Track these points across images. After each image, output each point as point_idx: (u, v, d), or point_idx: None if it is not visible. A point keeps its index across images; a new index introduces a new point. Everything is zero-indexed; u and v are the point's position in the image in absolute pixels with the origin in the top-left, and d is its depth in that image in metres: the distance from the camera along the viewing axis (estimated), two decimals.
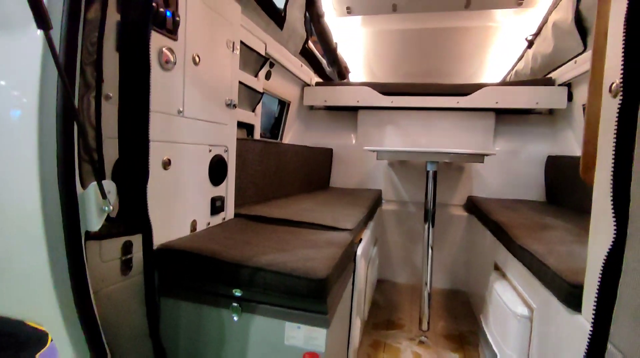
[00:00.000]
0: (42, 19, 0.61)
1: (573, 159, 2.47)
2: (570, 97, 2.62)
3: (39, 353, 1.50)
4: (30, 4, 0.59)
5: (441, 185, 2.96)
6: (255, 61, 2.10)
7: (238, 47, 1.62)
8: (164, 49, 1.12)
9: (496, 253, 1.87)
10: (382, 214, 2.89)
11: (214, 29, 1.42)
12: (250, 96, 2.12)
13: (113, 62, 0.90)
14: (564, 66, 2.57)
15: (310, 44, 3.04)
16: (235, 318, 1.09)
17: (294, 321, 1.05)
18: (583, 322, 0.96)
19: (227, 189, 1.59)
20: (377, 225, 2.70)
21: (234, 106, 1.59)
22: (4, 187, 0.80)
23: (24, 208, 0.77)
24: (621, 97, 0.58)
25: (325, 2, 3.02)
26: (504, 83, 2.89)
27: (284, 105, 2.98)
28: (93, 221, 0.79)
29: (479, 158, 1.93)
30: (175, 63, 1.18)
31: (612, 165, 0.58)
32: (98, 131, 0.81)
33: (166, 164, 1.17)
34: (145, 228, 0.90)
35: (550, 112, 2.94)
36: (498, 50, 3.78)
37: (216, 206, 1.49)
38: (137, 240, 0.99)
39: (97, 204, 0.79)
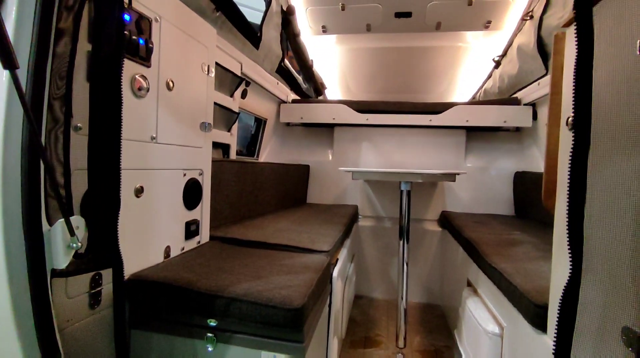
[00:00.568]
0: (8, 59, 0.60)
1: (538, 175, 2.59)
2: (535, 116, 2.76)
3: None
4: None
5: (416, 201, 3.03)
6: (231, 81, 2.10)
7: (213, 69, 1.62)
8: (136, 76, 1.11)
9: (468, 270, 1.92)
10: (358, 230, 2.92)
11: (188, 54, 1.42)
12: (226, 116, 2.12)
13: (83, 93, 0.88)
14: (528, 87, 2.71)
15: (287, 62, 3.08)
16: (210, 349, 1.07)
17: (270, 350, 1.04)
18: (548, 342, 1.00)
19: (202, 212, 1.57)
20: (354, 242, 2.72)
21: (209, 128, 1.58)
22: None
23: None
24: (573, 141, 0.63)
25: (300, 21, 3.07)
26: (474, 102, 3.01)
27: (260, 122, 2.98)
28: (60, 259, 0.77)
29: (451, 177, 1.99)
30: (148, 90, 1.17)
31: (567, 206, 0.62)
32: (66, 166, 0.79)
33: (139, 191, 1.15)
34: (115, 262, 0.88)
35: (517, 130, 3.08)
36: (468, 69, 3.94)
37: (191, 230, 1.47)
38: (106, 272, 0.97)
39: (64, 241, 0.77)
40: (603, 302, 0.59)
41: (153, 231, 1.24)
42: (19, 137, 0.71)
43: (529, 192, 2.68)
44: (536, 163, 2.83)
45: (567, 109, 0.96)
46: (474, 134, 3.13)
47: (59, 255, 0.77)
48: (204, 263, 1.28)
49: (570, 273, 0.62)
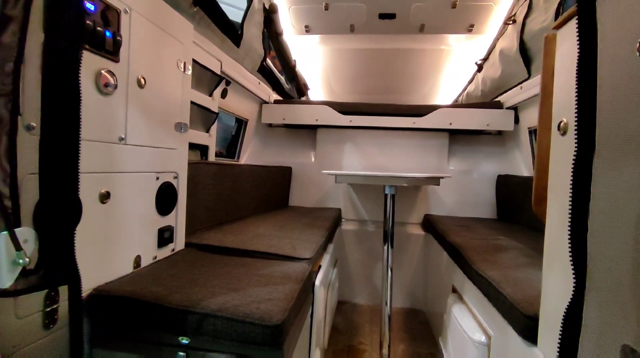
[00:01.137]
0: None
1: (520, 179, 2.60)
2: (517, 120, 2.77)
3: None
4: None
5: (399, 204, 3.00)
6: (210, 79, 2.01)
7: (190, 67, 1.53)
8: (102, 71, 1.02)
9: (453, 276, 1.89)
10: (341, 234, 2.86)
11: (162, 49, 1.33)
12: (204, 117, 2.03)
13: (36, 88, 0.79)
14: (510, 91, 2.72)
15: (269, 61, 3.00)
16: None
17: None
18: (538, 354, 0.97)
19: (177, 217, 1.48)
20: (337, 246, 2.66)
21: (185, 127, 1.49)
22: None
23: None
24: (575, 150, 0.58)
25: (283, 20, 3.00)
26: (457, 105, 3.01)
27: (241, 123, 2.89)
28: (3, 277, 0.67)
29: (435, 180, 1.96)
30: (116, 87, 1.08)
31: (569, 219, 0.58)
32: (13, 172, 0.70)
33: (104, 197, 1.05)
34: (71, 278, 0.79)
35: (499, 133, 3.09)
36: (450, 72, 3.96)
37: (164, 237, 1.38)
38: (64, 287, 0.87)
39: (8, 257, 0.68)
40: (603, 320, 0.55)
41: (121, 240, 1.14)
42: None
43: (512, 196, 2.69)
44: (518, 167, 2.84)
45: (558, 113, 0.93)
46: (457, 137, 3.13)
47: (2, 273, 0.68)
48: (176, 273, 1.19)
49: (573, 291, 0.58)
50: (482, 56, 3.25)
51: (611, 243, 0.55)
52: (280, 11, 2.86)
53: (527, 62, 2.43)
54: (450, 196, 3.03)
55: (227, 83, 2.30)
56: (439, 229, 2.32)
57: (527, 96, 2.44)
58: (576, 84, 0.58)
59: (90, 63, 0.98)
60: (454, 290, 1.88)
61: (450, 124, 2.85)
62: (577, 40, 0.58)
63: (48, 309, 0.85)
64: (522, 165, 2.80)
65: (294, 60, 3.54)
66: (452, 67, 3.88)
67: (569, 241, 0.57)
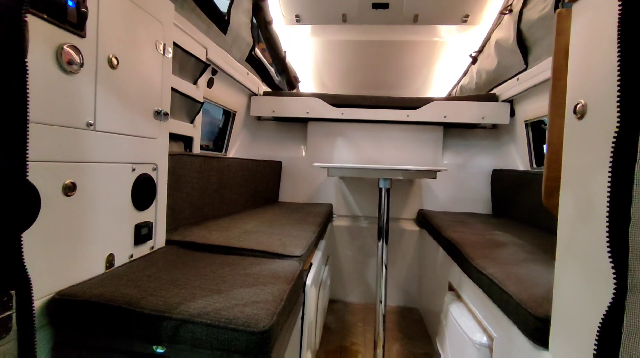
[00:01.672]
0: None
1: (516, 173, 2.54)
2: (512, 113, 2.71)
3: None
4: None
5: (392, 199, 2.92)
6: (194, 66, 1.89)
7: (170, 50, 1.41)
8: (65, 46, 0.90)
9: (450, 272, 1.81)
10: (333, 230, 2.77)
11: (138, 27, 1.21)
12: (189, 106, 1.90)
13: None
14: (506, 83, 2.65)
15: (258, 52, 2.87)
16: None
17: None
18: None
19: (157, 213, 1.36)
20: (329, 243, 2.57)
21: (166, 116, 1.38)
22: None
23: None
24: (617, 127, 0.49)
25: (273, 9, 2.88)
26: (451, 98, 2.93)
27: (229, 115, 2.77)
28: None
29: (432, 174, 1.87)
30: (82, 65, 0.96)
31: (607, 208, 0.49)
32: None
33: (69, 189, 0.94)
34: (20, 282, 0.67)
35: (494, 126, 3.03)
36: (444, 64, 3.88)
37: (142, 234, 1.26)
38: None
39: None
40: None
41: (89, 237, 1.03)
42: None
43: (507, 190, 2.63)
44: (513, 161, 2.78)
45: (574, 95, 0.84)
46: (451, 130, 3.05)
47: None
48: (154, 274, 1.08)
49: (614, 292, 0.49)
50: (477, 48, 3.17)
51: None
52: None
53: (525, 53, 2.36)
54: (445, 191, 2.96)
55: (214, 72, 2.18)
56: (434, 224, 2.24)
57: (524, 88, 2.37)
58: (618, 52, 0.49)
59: (48, 36, 0.86)
60: (451, 288, 1.80)
61: (445, 117, 2.77)
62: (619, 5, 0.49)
63: (0, 316, 0.74)
64: (517, 159, 2.74)
65: (284, 51, 3.42)
66: (446, 60, 3.81)
67: (607, 234, 0.49)
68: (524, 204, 2.35)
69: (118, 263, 1.15)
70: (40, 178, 0.85)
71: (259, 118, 3.16)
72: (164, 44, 1.37)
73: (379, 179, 1.83)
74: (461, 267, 1.58)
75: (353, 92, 4.33)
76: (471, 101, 2.77)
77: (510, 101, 2.70)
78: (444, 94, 4.38)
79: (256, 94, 2.90)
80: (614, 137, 0.50)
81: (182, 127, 1.90)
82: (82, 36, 0.96)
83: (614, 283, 0.49)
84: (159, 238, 1.39)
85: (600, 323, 0.50)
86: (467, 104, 2.76)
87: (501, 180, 2.73)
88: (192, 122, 1.99)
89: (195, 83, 1.94)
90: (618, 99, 0.50)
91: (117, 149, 1.13)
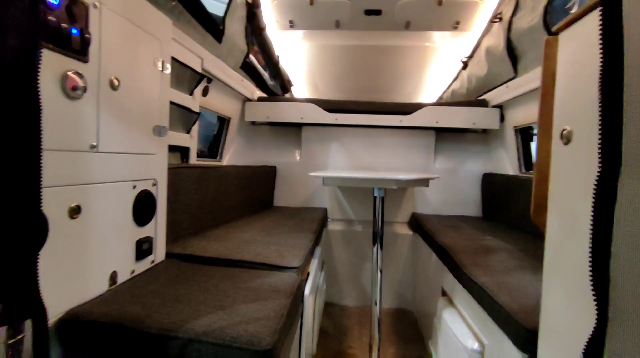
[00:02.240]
0: None
1: (505, 177, 2.61)
2: (502, 118, 2.77)
3: None
4: None
5: (386, 203, 2.96)
6: (191, 78, 1.91)
7: (169, 66, 1.43)
8: (69, 73, 0.92)
9: (443, 278, 1.87)
10: (328, 234, 2.81)
11: (137, 47, 1.23)
12: (185, 117, 1.92)
13: None
14: (496, 89, 2.71)
15: (252, 57, 2.89)
16: None
17: None
18: None
19: (157, 227, 1.39)
20: (324, 248, 2.61)
21: (164, 132, 1.40)
22: None
23: None
24: (599, 168, 0.54)
25: (266, 15, 2.90)
26: (443, 103, 2.98)
27: (223, 121, 2.79)
28: None
29: (425, 182, 1.92)
30: (85, 89, 0.98)
31: (590, 245, 0.54)
32: None
33: (74, 212, 0.96)
34: (35, 311, 0.70)
35: (484, 131, 3.09)
36: (436, 69, 3.94)
37: (143, 249, 1.29)
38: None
39: None
40: (632, 353, 0.52)
41: (94, 257, 1.05)
42: None
43: (497, 194, 2.69)
44: (503, 165, 2.85)
45: (560, 121, 0.89)
46: (443, 135, 3.11)
47: None
48: (156, 290, 1.11)
49: (596, 322, 0.54)
50: (468, 53, 3.23)
51: (636, 268, 0.51)
52: (264, 5, 2.76)
53: (514, 61, 2.41)
54: (437, 194, 3.02)
55: (209, 81, 2.20)
56: (426, 229, 2.30)
57: (513, 95, 2.43)
58: (599, 93, 0.54)
59: (54, 64, 0.88)
60: (444, 293, 1.86)
61: (437, 122, 2.83)
62: (600, 43, 0.53)
63: (11, 341, 0.76)
64: (507, 164, 2.81)
65: (278, 56, 3.44)
66: (437, 65, 3.87)
67: (590, 268, 0.53)
68: (513, 208, 2.42)
69: (121, 279, 1.18)
70: (49, 202, 0.87)
71: (253, 123, 3.18)
72: (163, 61, 1.39)
73: (373, 188, 1.88)
74: (453, 274, 1.63)
75: (346, 96, 4.37)
76: (462, 107, 2.83)
77: (500, 107, 2.76)
78: (436, 97, 4.45)
79: (250, 100, 2.92)
80: (596, 177, 0.54)
81: (179, 138, 1.93)
82: (85, 61, 0.98)
83: (596, 313, 0.53)
84: (159, 252, 1.42)
85: (584, 349, 0.55)
86: (458, 109, 2.82)
87: (491, 184, 2.80)
88: (188, 132, 2.01)
89: (191, 94, 1.96)
90: (599, 140, 0.54)
91: (118, 168, 1.15)
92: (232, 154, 2.97)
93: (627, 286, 0.50)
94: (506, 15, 2.41)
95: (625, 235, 0.50)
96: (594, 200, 0.54)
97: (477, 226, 2.38)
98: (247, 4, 2.52)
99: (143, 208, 1.29)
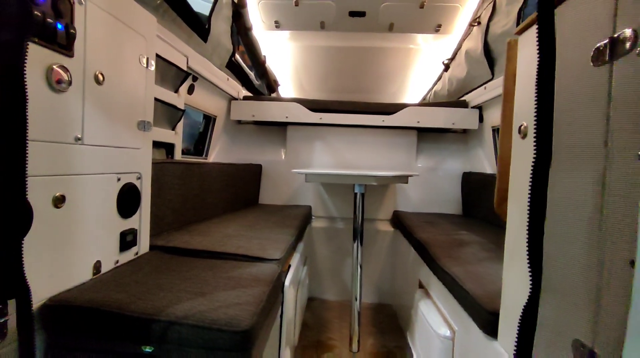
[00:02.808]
0: None
1: (484, 176, 2.71)
2: (481, 119, 2.87)
3: None
4: None
5: (368, 201, 3.04)
6: (176, 75, 1.94)
7: (153, 62, 1.47)
8: (55, 67, 0.95)
9: (420, 271, 1.94)
10: (311, 231, 2.87)
11: (122, 44, 1.26)
12: (170, 114, 1.95)
13: None
14: (475, 91, 2.81)
15: (238, 57, 2.93)
16: None
17: None
18: (499, 349, 1.01)
19: (141, 220, 1.42)
20: (307, 244, 2.66)
21: (149, 127, 1.43)
22: None
23: None
24: (534, 156, 0.61)
25: (253, 15, 2.94)
26: (424, 104, 3.07)
27: (209, 119, 2.82)
28: None
29: (404, 179, 2.00)
30: (70, 83, 1.02)
31: (527, 223, 0.60)
32: None
33: (59, 201, 0.99)
34: (20, 292, 0.73)
35: (464, 131, 3.19)
36: (419, 71, 4.04)
37: (127, 241, 1.32)
38: (11, 300, 0.81)
39: None
40: (557, 318, 0.58)
41: (78, 246, 1.08)
42: None
43: (475, 192, 2.79)
44: (481, 164, 2.95)
45: (519, 117, 0.96)
46: (424, 135, 3.20)
47: None
48: (140, 279, 1.14)
49: (530, 291, 0.60)
50: (449, 55, 3.33)
51: (566, 246, 0.58)
52: (250, 6, 2.80)
53: (491, 64, 2.51)
54: (419, 192, 3.10)
55: (194, 79, 2.23)
56: (406, 225, 2.37)
57: (491, 96, 2.53)
58: (535, 91, 0.60)
59: (40, 58, 0.92)
60: (421, 286, 1.93)
61: (418, 122, 2.91)
62: (537, 48, 0.60)
63: None
64: (485, 162, 2.91)
65: (264, 56, 3.48)
66: (420, 66, 3.96)
67: (527, 244, 0.60)
68: (490, 205, 2.51)
69: (105, 269, 1.21)
70: (32, 191, 0.90)
71: (239, 122, 3.22)
72: (147, 58, 1.42)
73: (354, 184, 1.94)
74: (429, 266, 1.71)
75: (331, 96, 4.44)
76: (443, 107, 2.92)
77: (479, 108, 2.86)
78: (419, 98, 4.55)
79: (236, 99, 2.96)
80: (532, 164, 0.61)
81: (164, 134, 1.95)
82: (71, 56, 1.02)
83: (530, 284, 0.60)
84: (143, 244, 1.45)
85: (520, 316, 0.61)
86: (439, 110, 2.91)
87: (470, 182, 2.90)
88: (173, 129, 2.04)
89: (176, 91, 1.99)
90: (535, 132, 0.61)
91: (103, 161, 1.18)
92: (218, 153, 3.00)
93: (557, 260, 0.57)
94: (484, 20, 2.51)
95: (556, 215, 0.56)
96: (530, 186, 0.61)
97: (455, 222, 2.47)
98: (233, 3, 2.56)
99: (127, 200, 1.32)
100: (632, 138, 0.55)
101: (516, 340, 0.61)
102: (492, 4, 2.38)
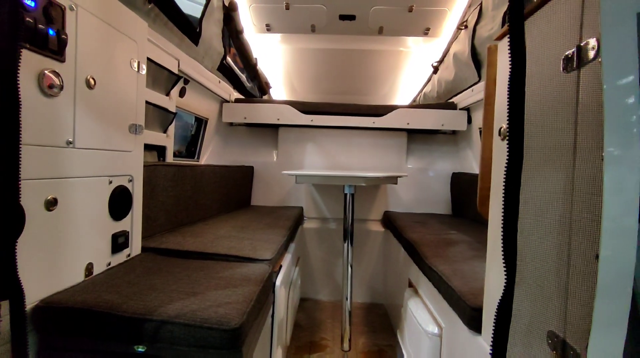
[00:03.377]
0: None
1: (472, 176, 2.76)
2: (469, 120, 2.93)
3: None
4: None
5: (360, 201, 3.07)
6: (167, 79, 1.95)
7: (144, 66, 1.48)
8: (46, 72, 0.97)
9: (409, 270, 1.98)
10: (303, 232, 2.89)
11: (113, 48, 1.28)
12: (162, 117, 1.97)
13: None
14: (463, 93, 2.86)
15: (229, 59, 2.95)
16: None
17: None
18: (482, 343, 1.05)
19: (133, 222, 1.44)
20: (299, 245, 2.69)
21: (140, 130, 1.45)
22: None
23: None
24: (507, 154, 0.64)
25: (244, 18, 2.96)
26: (414, 106, 3.13)
27: (201, 122, 2.83)
28: None
29: (393, 179, 2.03)
30: (62, 88, 1.03)
31: (502, 219, 0.64)
32: None
33: (51, 204, 1.01)
34: (14, 293, 0.74)
35: (453, 133, 3.25)
36: (409, 72, 4.09)
37: (119, 243, 1.34)
38: (5, 302, 0.83)
39: None
40: (532, 310, 0.62)
41: (70, 248, 1.10)
42: None
43: (464, 192, 2.84)
44: (470, 165, 3.01)
45: (499, 119, 1.00)
46: (414, 136, 3.25)
47: None
48: (132, 280, 1.16)
49: (505, 285, 0.64)
50: (438, 58, 3.39)
51: (537, 243, 0.62)
52: (241, 9, 2.82)
53: (478, 67, 2.57)
54: (409, 193, 3.15)
55: (186, 82, 2.25)
56: (397, 225, 2.41)
57: (478, 98, 2.58)
58: (508, 97, 0.64)
59: (31, 63, 0.93)
60: (410, 284, 1.97)
61: (408, 124, 2.96)
62: (509, 56, 0.64)
63: None
64: (474, 163, 2.97)
65: (255, 58, 3.51)
66: (410, 69, 4.02)
67: (502, 241, 0.63)
68: (476, 205, 2.56)
69: (97, 271, 1.22)
70: (25, 195, 0.91)
71: (230, 124, 3.23)
72: (139, 62, 1.44)
73: (344, 185, 1.97)
74: (418, 265, 1.74)
75: (323, 98, 4.48)
76: (432, 109, 2.97)
77: (467, 109, 2.92)
78: (410, 100, 4.61)
79: (228, 101, 2.98)
80: (506, 164, 0.65)
81: (156, 137, 1.97)
82: (62, 61, 1.03)
83: (505, 278, 0.63)
84: (135, 246, 1.46)
85: (496, 311, 0.65)
86: (428, 111, 2.96)
87: (459, 183, 2.95)
88: (165, 132, 2.06)
89: (167, 94, 2.00)
90: (507, 132, 0.65)
91: (95, 164, 1.20)
92: (210, 155, 3.02)
93: (530, 256, 0.60)
94: (471, 24, 2.56)
95: (529, 213, 0.60)
96: (504, 186, 0.64)
97: (445, 222, 2.51)
98: (224, 7, 2.58)
99: (119, 202, 1.33)
100: (597, 140, 0.59)
101: (492, 332, 0.64)
102: (478, 8, 2.44)
